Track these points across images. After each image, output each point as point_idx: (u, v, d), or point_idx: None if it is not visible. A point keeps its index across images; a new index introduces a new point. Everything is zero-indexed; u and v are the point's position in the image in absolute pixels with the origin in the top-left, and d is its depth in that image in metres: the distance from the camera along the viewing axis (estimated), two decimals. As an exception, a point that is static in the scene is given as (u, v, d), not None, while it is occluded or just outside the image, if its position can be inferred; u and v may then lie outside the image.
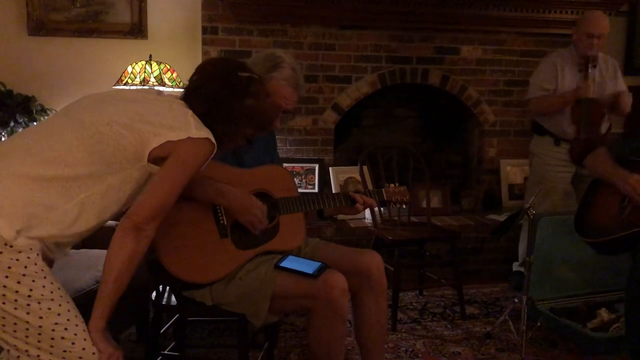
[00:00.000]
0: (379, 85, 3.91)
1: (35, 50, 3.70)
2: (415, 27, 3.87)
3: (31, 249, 1.36)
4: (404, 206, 2.34)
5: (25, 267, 1.34)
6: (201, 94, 1.63)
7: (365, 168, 3.27)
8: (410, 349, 2.69)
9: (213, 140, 1.53)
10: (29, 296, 1.34)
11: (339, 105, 3.88)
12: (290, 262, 1.89)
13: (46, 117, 3.61)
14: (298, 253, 2.07)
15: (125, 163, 1.48)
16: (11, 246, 1.33)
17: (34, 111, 3.53)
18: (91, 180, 1.44)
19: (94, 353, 1.42)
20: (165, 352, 2.15)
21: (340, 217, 3.70)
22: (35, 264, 1.37)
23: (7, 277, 1.32)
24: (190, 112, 1.57)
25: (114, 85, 3.49)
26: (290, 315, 2.92)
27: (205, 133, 1.52)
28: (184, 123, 1.52)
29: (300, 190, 3.74)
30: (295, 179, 3.77)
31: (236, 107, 1.63)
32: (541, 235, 2.93)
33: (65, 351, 1.38)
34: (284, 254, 1.95)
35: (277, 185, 2.03)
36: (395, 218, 3.23)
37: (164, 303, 2.01)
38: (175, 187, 1.51)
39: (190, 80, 1.70)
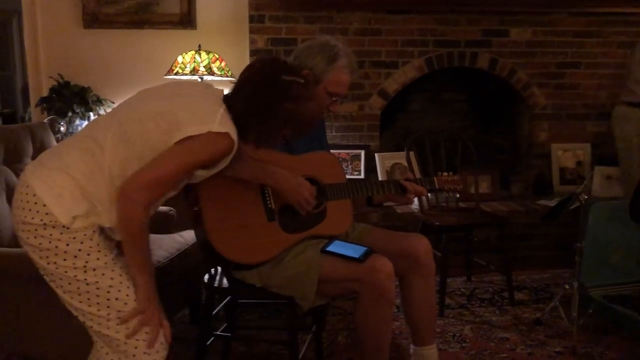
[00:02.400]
0: (426, 69, 3.88)
1: (90, 42, 3.84)
2: (463, 10, 3.81)
3: (86, 227, 1.51)
4: (458, 195, 2.32)
5: (82, 242, 1.51)
6: (243, 92, 1.67)
7: (412, 154, 3.26)
8: (458, 334, 2.69)
9: (234, 137, 1.56)
10: (85, 266, 1.51)
11: (385, 90, 3.87)
12: (336, 247, 1.92)
13: (102, 108, 3.75)
14: (345, 238, 2.10)
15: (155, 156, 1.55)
16: (68, 228, 1.49)
17: (90, 101, 3.67)
18: (128, 173, 1.53)
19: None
20: (218, 332, 2.22)
21: (388, 203, 3.69)
22: (91, 239, 1.52)
23: (65, 252, 1.50)
24: (222, 109, 1.60)
25: (165, 75, 3.59)
26: (338, 298, 2.96)
27: (227, 128, 1.55)
28: (209, 118, 1.55)
29: (346, 176, 3.78)
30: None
31: (274, 109, 1.66)
32: (594, 221, 2.86)
33: (119, 311, 1.53)
34: (331, 239, 1.98)
35: (325, 172, 2.05)
36: (443, 204, 3.22)
37: (215, 285, 2.08)
38: (176, 168, 1.53)
39: (239, 78, 1.75)
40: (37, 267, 1.57)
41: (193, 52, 3.54)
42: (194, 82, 3.35)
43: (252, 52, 3.70)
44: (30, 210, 1.49)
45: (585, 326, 2.69)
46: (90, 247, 1.52)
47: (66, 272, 1.51)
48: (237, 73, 3.80)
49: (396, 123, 4.26)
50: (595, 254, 2.89)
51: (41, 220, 1.48)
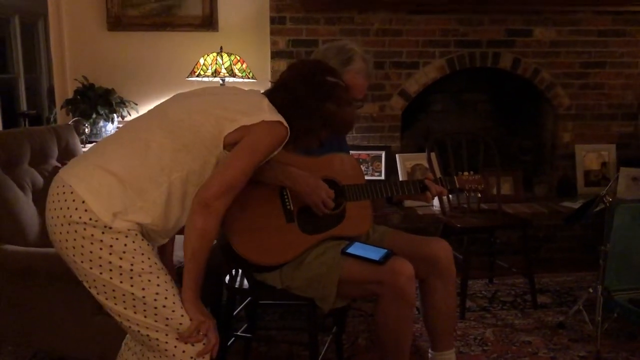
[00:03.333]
0: (448, 70, 3.85)
1: (114, 45, 3.89)
2: (485, 10, 3.78)
3: (129, 229, 1.48)
4: (479, 195, 2.30)
5: (125, 245, 1.47)
6: (286, 89, 1.69)
7: (433, 155, 3.24)
8: (480, 337, 2.67)
9: (286, 124, 1.58)
10: (131, 270, 1.47)
11: (406, 91, 3.86)
12: (356, 249, 1.92)
13: (125, 109, 3.80)
14: (366, 240, 2.10)
15: (204, 149, 1.55)
16: (110, 228, 1.45)
17: (114, 103, 3.72)
18: (175, 165, 1.53)
19: (191, 319, 1.53)
20: (238, 333, 2.24)
21: (408, 203, 3.68)
22: (134, 242, 1.48)
23: (110, 254, 1.46)
24: (266, 100, 1.64)
25: (187, 77, 3.62)
26: (358, 300, 2.95)
27: (278, 117, 1.57)
28: (258, 108, 1.58)
29: (366, 177, 3.76)
30: (361, 166, 3.79)
31: (316, 108, 1.68)
32: (619, 223, 2.81)
33: (167, 318, 1.50)
34: (351, 241, 1.98)
35: (344, 173, 2.06)
36: (465, 205, 3.19)
37: (236, 286, 2.09)
38: (246, 166, 1.55)
39: (280, 76, 1.77)
40: (77, 274, 1.53)
41: (215, 54, 3.57)
42: (226, 87, 3.38)
43: (273, 54, 3.71)
44: (68, 208, 1.46)
45: (609, 331, 2.64)
46: (135, 249, 1.48)
47: (111, 278, 1.46)
48: (259, 74, 3.82)
49: (417, 124, 4.24)
50: (620, 257, 2.84)
51: (80, 217, 1.44)
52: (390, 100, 3.86)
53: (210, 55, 3.57)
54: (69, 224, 1.46)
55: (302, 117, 1.67)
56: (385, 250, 1.90)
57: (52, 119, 5.54)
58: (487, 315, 2.92)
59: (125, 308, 1.49)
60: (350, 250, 1.92)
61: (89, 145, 3.53)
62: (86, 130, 3.63)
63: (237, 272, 2.12)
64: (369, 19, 3.74)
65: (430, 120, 4.25)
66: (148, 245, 1.52)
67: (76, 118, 3.62)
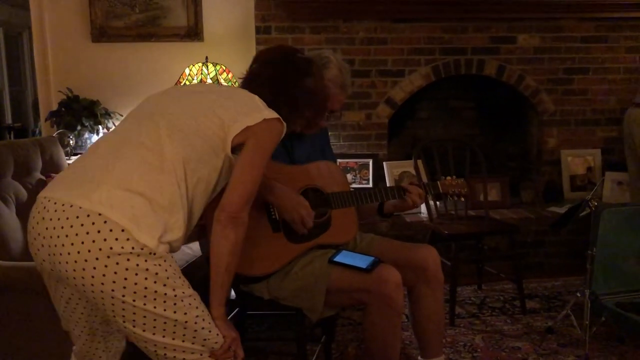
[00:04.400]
0: (433, 77, 3.87)
1: (99, 56, 3.87)
2: (469, 17, 3.80)
3: (167, 252, 1.41)
4: (462, 199, 2.30)
5: (166, 270, 1.39)
6: (264, 78, 1.68)
7: (420, 162, 3.25)
8: (469, 344, 2.66)
9: (282, 120, 1.57)
10: (175, 296, 1.39)
11: (392, 99, 3.87)
12: (344, 257, 1.91)
13: (111, 121, 3.77)
14: (353, 248, 2.09)
15: (212, 154, 1.51)
16: (154, 254, 1.36)
17: (99, 114, 3.69)
18: (189, 173, 1.47)
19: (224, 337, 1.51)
20: (226, 344, 2.21)
21: (398, 212, 3.67)
22: (170, 265, 1.41)
23: (155, 282, 1.36)
24: (256, 96, 1.62)
25: (173, 87, 3.61)
26: (347, 309, 2.94)
27: (275, 113, 1.56)
28: (255, 106, 1.56)
29: (354, 185, 3.77)
30: (349, 174, 3.79)
31: (300, 86, 1.69)
32: (605, 228, 2.82)
33: (205, 339, 1.46)
34: (338, 249, 1.97)
35: (328, 181, 2.05)
36: (452, 212, 3.20)
37: (223, 297, 2.07)
38: (259, 170, 1.54)
39: (250, 69, 1.75)
40: (109, 310, 1.38)
41: (200, 64, 3.56)
42: (198, 84, 3.36)
43: (259, 63, 3.71)
44: (105, 239, 1.31)
45: (598, 335, 2.65)
46: (174, 273, 1.41)
47: (155, 307, 1.36)
48: (244, 84, 3.73)
49: (404, 131, 4.25)
50: (607, 261, 2.85)
51: (122, 247, 1.31)
52: (377, 108, 3.87)
53: (196, 66, 3.56)
54: (108, 257, 1.31)
55: (288, 98, 1.67)
56: (373, 258, 1.89)
57: (37, 132, 5.50)
58: (476, 321, 2.92)
59: (163, 336, 1.41)
60: (338, 258, 1.91)
61: (74, 158, 3.50)
62: (71, 142, 3.60)
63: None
64: (354, 28, 3.76)
65: (417, 128, 4.26)
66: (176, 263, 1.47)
67: (61, 130, 3.60)
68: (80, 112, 3.63)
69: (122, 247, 1.32)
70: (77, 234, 1.32)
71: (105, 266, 1.31)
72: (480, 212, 3.38)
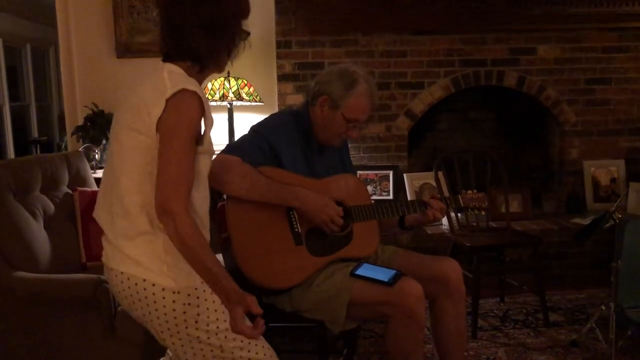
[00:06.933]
0: (453, 89, 3.87)
1: (123, 71, 3.94)
2: (489, 29, 3.81)
3: (191, 285, 1.47)
4: (483, 213, 2.31)
5: (198, 306, 1.47)
6: (190, 25, 1.45)
7: (440, 173, 3.25)
8: (492, 357, 2.64)
9: (191, 87, 1.39)
10: (208, 331, 1.48)
11: (412, 111, 3.88)
12: (365, 270, 1.92)
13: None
14: (375, 260, 2.10)
15: (151, 161, 1.42)
16: (178, 292, 1.45)
17: (123, 129, 3.75)
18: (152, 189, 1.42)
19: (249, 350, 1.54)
20: (249, 356, 2.23)
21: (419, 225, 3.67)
22: (198, 297, 1.47)
23: (185, 321, 1.46)
24: (165, 69, 1.45)
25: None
26: (369, 321, 2.94)
27: (179, 85, 1.38)
28: (159, 91, 1.40)
29: (374, 197, 3.78)
30: (369, 186, 3.80)
31: (227, 9, 1.48)
32: (629, 239, 2.79)
33: (241, 357, 1.52)
34: (359, 262, 1.98)
35: (349, 194, 2.07)
36: (474, 223, 3.19)
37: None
38: (181, 151, 1.38)
39: (170, 22, 1.49)
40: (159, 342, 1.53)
41: (222, 78, 3.61)
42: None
43: (280, 77, 3.76)
44: (139, 298, 1.45)
45: (624, 348, 2.61)
46: (213, 301, 1.48)
47: (192, 349, 1.49)
48: (265, 97, 3.84)
49: (424, 143, 4.25)
50: (632, 273, 2.81)
51: (153, 294, 1.44)
52: (397, 120, 3.88)
53: (218, 80, 3.62)
54: (157, 312, 1.46)
55: (220, 28, 1.47)
56: (394, 271, 1.90)
57: (63, 146, 5.61)
58: (499, 334, 2.90)
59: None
60: (359, 271, 1.92)
61: (99, 171, 3.57)
62: (96, 156, 3.67)
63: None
64: (374, 41, 3.78)
65: (437, 139, 4.26)
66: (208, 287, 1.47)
67: (86, 145, 3.67)
68: (105, 126, 3.70)
69: (154, 294, 1.44)
70: (124, 293, 1.49)
71: (167, 324, 1.48)
72: (502, 223, 3.36)
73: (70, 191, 2.66)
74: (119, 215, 1.45)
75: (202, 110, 1.41)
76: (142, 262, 1.44)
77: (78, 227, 2.58)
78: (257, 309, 1.40)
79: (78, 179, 2.74)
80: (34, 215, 2.42)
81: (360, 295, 1.87)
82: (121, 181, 1.44)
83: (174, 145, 1.37)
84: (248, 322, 1.42)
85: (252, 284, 1.87)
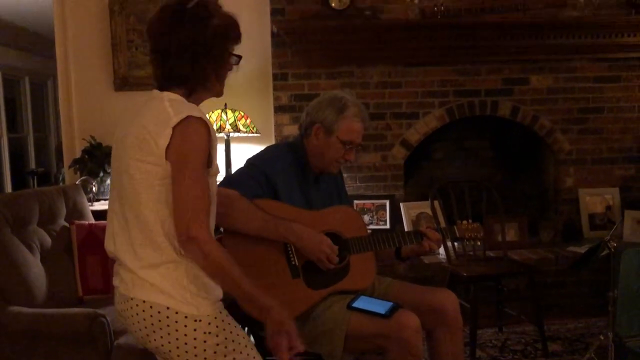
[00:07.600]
0: (447, 119, 3.92)
1: (121, 104, 3.98)
2: (482, 60, 3.87)
3: (212, 314, 1.49)
4: (479, 243, 2.33)
5: (217, 335, 1.48)
6: (175, 50, 1.47)
7: (436, 203, 3.27)
8: (491, 389, 2.62)
9: (197, 114, 1.43)
10: (233, 350, 1.51)
11: (407, 140, 3.91)
12: (362, 302, 1.92)
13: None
14: (371, 292, 2.10)
15: (164, 190, 1.46)
16: (200, 320, 1.46)
17: (121, 161, 3.77)
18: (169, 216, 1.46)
19: None
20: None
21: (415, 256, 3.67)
22: (217, 326, 1.49)
23: (204, 350, 1.46)
24: (164, 98, 1.48)
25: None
26: (367, 354, 2.91)
27: (184, 112, 1.42)
28: (163, 120, 1.42)
29: (371, 226, 3.79)
30: (366, 215, 3.81)
31: (210, 32, 1.48)
32: (625, 268, 2.80)
33: None
34: (356, 294, 1.98)
35: (346, 226, 2.08)
36: (470, 253, 3.19)
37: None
38: (196, 182, 1.41)
39: (157, 49, 1.52)
40: None
41: (219, 110, 3.65)
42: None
43: (276, 109, 3.80)
44: (160, 327, 1.45)
45: (623, 378, 2.60)
46: (229, 322, 1.52)
47: None
48: (262, 129, 3.86)
49: (420, 172, 4.28)
50: (629, 302, 2.81)
51: (175, 322, 1.44)
52: (392, 149, 3.91)
53: (215, 112, 3.65)
54: (179, 339, 1.45)
55: (208, 51, 1.49)
56: (391, 304, 1.90)
57: (60, 177, 5.63)
58: (498, 365, 2.88)
59: None
60: (356, 304, 1.92)
61: (96, 204, 3.58)
62: (93, 189, 3.68)
63: (243, 328, 2.12)
64: (368, 73, 3.84)
65: (433, 169, 4.29)
66: (225, 311, 1.54)
67: (84, 177, 3.69)
68: (102, 159, 3.71)
69: (177, 322, 1.44)
70: (140, 324, 1.49)
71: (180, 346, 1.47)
72: (498, 252, 3.37)
73: (67, 224, 2.67)
74: (143, 245, 1.47)
75: (209, 135, 1.45)
76: (166, 290, 1.45)
77: (75, 260, 2.58)
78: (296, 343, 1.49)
79: (75, 212, 2.75)
80: (30, 249, 2.42)
81: (357, 328, 1.86)
82: (142, 212, 1.45)
83: (187, 173, 1.41)
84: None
85: (249, 317, 1.86)
